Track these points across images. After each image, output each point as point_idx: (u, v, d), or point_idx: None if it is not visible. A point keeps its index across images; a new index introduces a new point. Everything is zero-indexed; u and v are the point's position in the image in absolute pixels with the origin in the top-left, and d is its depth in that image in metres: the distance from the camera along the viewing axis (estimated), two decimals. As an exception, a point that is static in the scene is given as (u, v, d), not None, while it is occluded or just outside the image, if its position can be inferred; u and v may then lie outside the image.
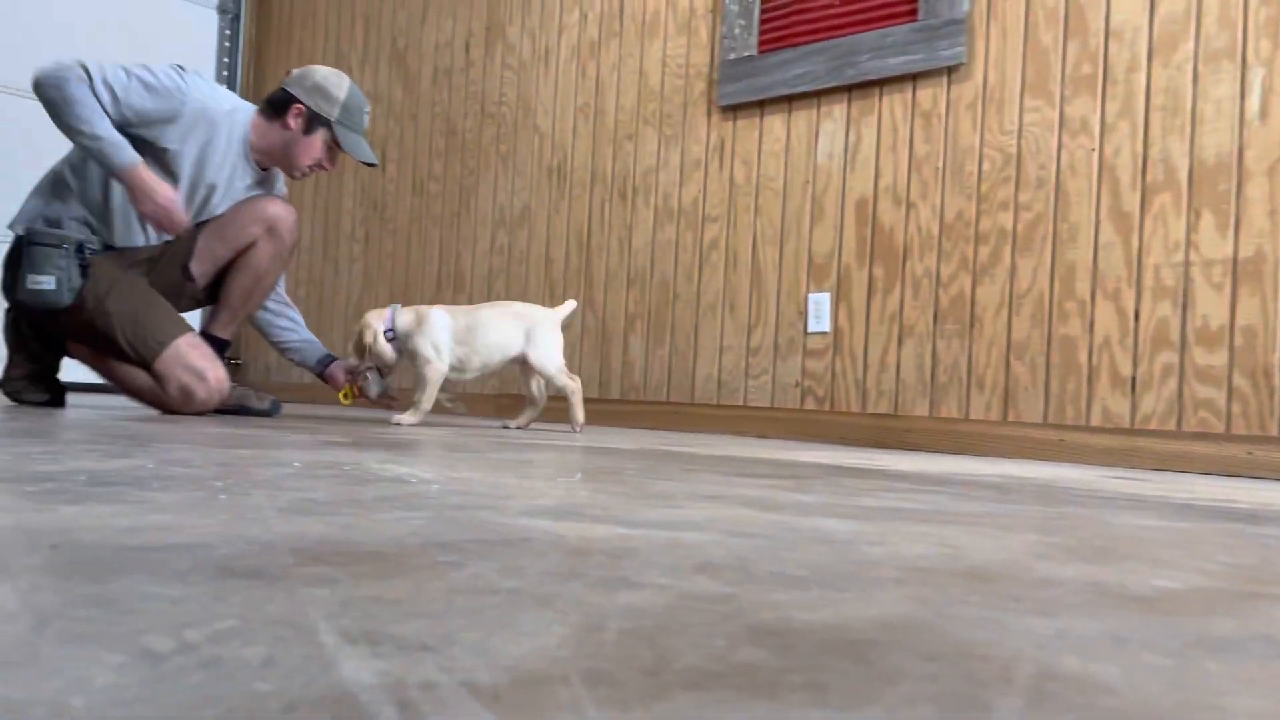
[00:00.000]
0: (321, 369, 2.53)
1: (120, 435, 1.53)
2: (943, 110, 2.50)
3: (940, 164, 2.49)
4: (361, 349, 2.37)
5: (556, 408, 3.22)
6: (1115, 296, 2.20)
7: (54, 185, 2.30)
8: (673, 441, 2.26)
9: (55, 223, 2.29)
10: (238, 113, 2.34)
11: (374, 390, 2.42)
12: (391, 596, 0.50)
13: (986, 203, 2.41)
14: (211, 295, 2.50)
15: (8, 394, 2.46)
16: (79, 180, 2.29)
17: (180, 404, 2.28)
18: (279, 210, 2.47)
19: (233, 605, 0.46)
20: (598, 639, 0.43)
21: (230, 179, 2.38)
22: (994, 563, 0.69)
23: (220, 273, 2.45)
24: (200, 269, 2.41)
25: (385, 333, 2.36)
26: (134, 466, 1.05)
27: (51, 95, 2.09)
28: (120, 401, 2.92)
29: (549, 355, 2.33)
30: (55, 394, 2.51)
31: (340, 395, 2.48)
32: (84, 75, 2.10)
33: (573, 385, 2.39)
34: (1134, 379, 2.16)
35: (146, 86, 2.16)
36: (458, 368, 2.36)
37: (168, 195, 2.18)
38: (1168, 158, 2.15)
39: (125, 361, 2.30)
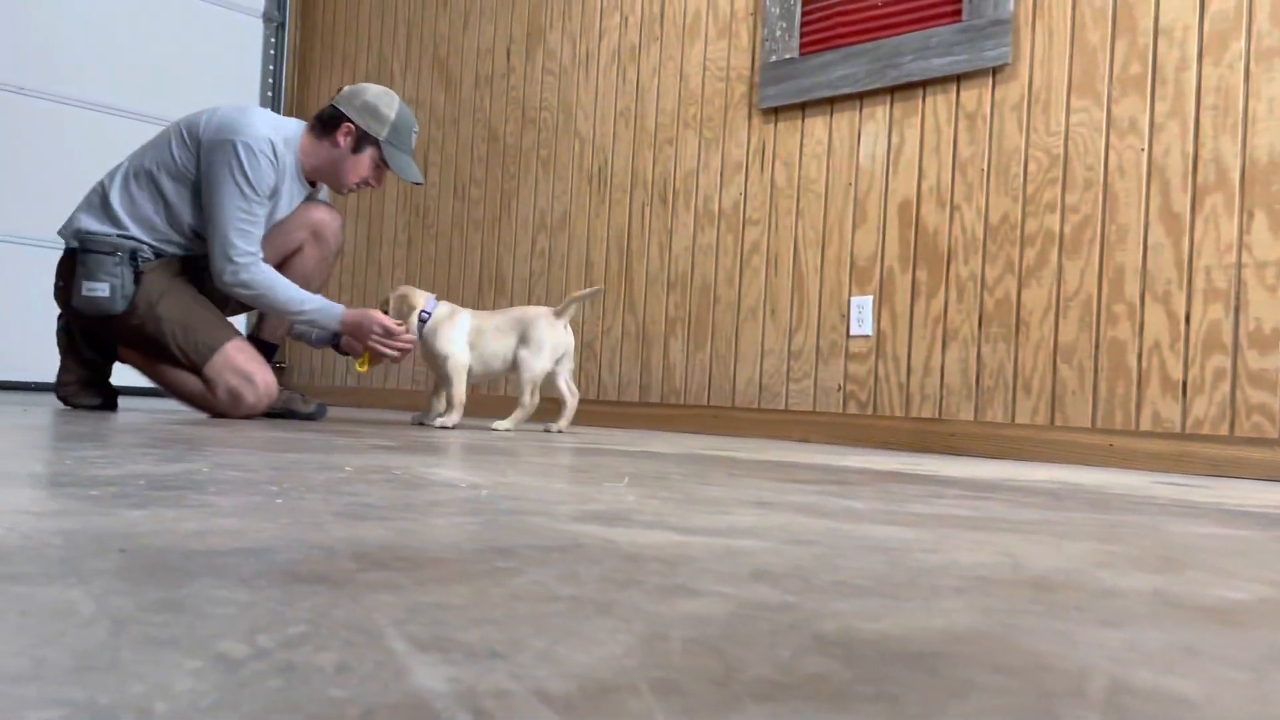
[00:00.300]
0: (337, 340, 2.54)
1: (173, 439, 1.55)
2: (987, 111, 2.48)
3: (985, 165, 2.47)
4: (402, 314, 2.42)
5: (610, 413, 3.23)
6: (1165, 299, 2.17)
7: (126, 204, 2.34)
8: (715, 446, 2.26)
9: (110, 234, 2.33)
10: (292, 140, 2.38)
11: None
12: (455, 602, 0.50)
13: (1033, 204, 2.38)
14: None
15: (61, 398, 2.51)
16: (166, 209, 2.33)
17: (229, 407, 2.31)
18: (324, 216, 2.51)
19: (301, 610, 0.46)
20: (663, 648, 0.43)
21: (290, 201, 2.45)
22: (1055, 571, 0.69)
23: None
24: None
25: (421, 313, 2.42)
26: (190, 470, 1.06)
27: (245, 295, 2.30)
28: (170, 405, 2.97)
29: (532, 357, 2.40)
30: (107, 398, 2.56)
31: (357, 364, 2.50)
32: (247, 251, 2.26)
33: (570, 400, 2.48)
34: (1185, 383, 2.13)
35: (258, 196, 2.28)
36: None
37: (381, 322, 2.33)
38: (1219, 158, 2.12)
39: (175, 366, 2.34)
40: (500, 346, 2.41)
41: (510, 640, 0.43)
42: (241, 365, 2.31)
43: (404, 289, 2.47)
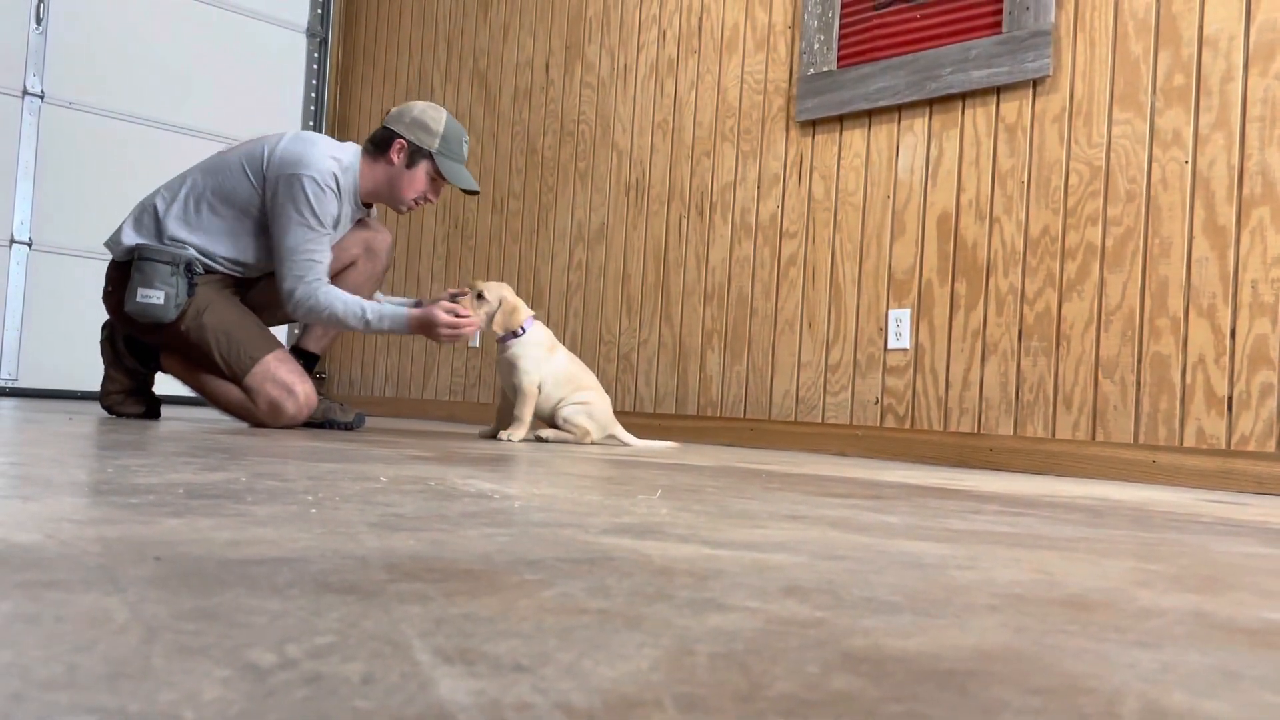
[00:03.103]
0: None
1: (213, 448, 1.57)
2: (1028, 123, 2.46)
3: (1025, 178, 2.45)
4: (509, 325, 2.45)
5: (647, 425, 3.23)
6: (1210, 313, 2.13)
7: (183, 227, 2.38)
8: (751, 459, 2.25)
9: (167, 247, 2.38)
10: (350, 166, 2.42)
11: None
12: (484, 614, 0.50)
13: (1074, 217, 2.36)
14: None
15: (106, 407, 2.56)
16: (228, 237, 2.39)
17: (269, 417, 2.34)
18: (377, 233, 2.58)
19: (330, 621, 0.47)
20: (689, 663, 0.43)
21: (347, 223, 2.51)
22: (1092, 590, 0.67)
23: None
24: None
25: (521, 328, 2.46)
26: (229, 479, 1.08)
27: (314, 318, 2.36)
28: (211, 414, 3.01)
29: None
30: (151, 407, 2.60)
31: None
32: (314, 279, 2.32)
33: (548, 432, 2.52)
34: (1230, 398, 2.09)
35: (324, 228, 2.34)
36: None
37: (444, 320, 2.36)
38: (1265, 170, 2.08)
39: (218, 376, 2.37)
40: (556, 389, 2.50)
41: (536, 653, 0.43)
42: (283, 377, 2.35)
43: (510, 298, 2.47)
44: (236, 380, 2.35)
